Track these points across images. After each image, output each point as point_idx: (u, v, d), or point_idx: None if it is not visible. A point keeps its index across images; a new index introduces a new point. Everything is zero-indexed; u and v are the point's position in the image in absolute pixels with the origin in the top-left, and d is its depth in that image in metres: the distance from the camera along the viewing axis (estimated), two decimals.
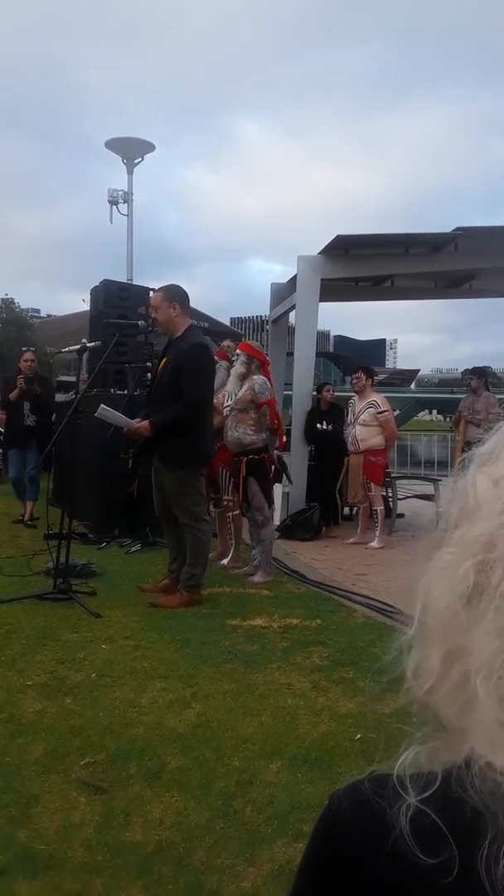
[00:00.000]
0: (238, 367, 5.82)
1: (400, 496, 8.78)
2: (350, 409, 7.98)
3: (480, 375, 8.61)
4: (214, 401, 5.94)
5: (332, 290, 9.46)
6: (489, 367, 9.08)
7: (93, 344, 5.98)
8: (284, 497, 8.25)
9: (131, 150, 17.01)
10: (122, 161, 17.03)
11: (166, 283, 5.23)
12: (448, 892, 0.50)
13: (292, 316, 9.42)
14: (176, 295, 5.03)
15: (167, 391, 4.91)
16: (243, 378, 5.80)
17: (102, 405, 5.22)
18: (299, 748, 2.86)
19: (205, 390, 5.05)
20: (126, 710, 3.20)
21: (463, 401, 8.66)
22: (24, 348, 10.52)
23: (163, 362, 5.10)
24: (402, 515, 8.97)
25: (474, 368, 9.00)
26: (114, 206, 17.01)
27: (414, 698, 0.58)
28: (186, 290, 5.13)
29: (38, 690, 3.39)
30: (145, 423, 4.93)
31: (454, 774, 0.54)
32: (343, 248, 8.63)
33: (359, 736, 2.96)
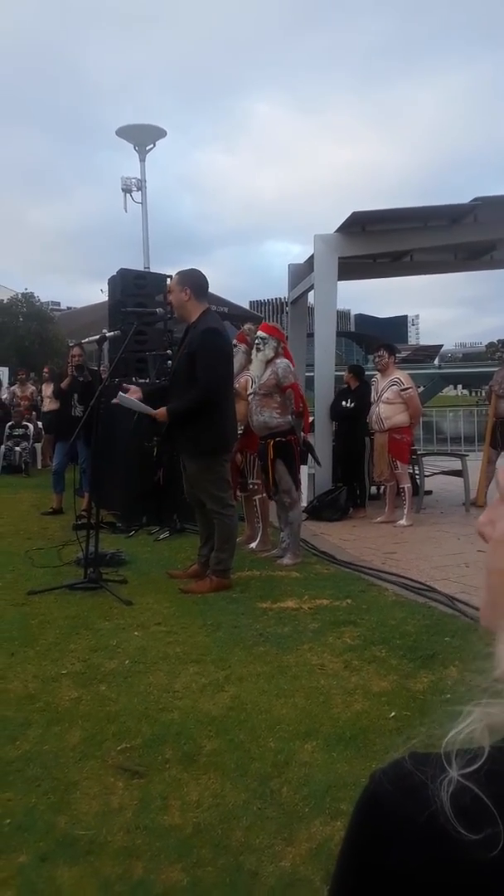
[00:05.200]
0: (268, 352, 5.74)
1: (427, 473, 8.72)
2: (373, 387, 7.91)
3: None
4: (237, 385, 5.92)
5: (351, 269, 9.36)
6: None
7: (112, 334, 5.99)
8: (310, 478, 8.24)
9: (143, 137, 16.93)
10: (134, 148, 16.97)
11: (184, 269, 5.17)
12: (494, 868, 0.49)
13: (311, 296, 9.35)
14: (189, 279, 4.97)
15: (184, 378, 4.90)
16: (269, 362, 5.75)
17: (120, 393, 5.24)
18: (334, 727, 2.87)
19: (220, 375, 4.92)
20: (160, 696, 3.22)
21: (495, 374, 8.49)
22: (70, 343, 10.63)
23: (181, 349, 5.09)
24: (429, 492, 8.92)
25: None
26: (128, 195, 16.98)
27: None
28: (205, 275, 5.08)
29: (73, 679, 3.42)
30: (162, 409, 4.92)
31: None
32: (360, 224, 8.53)
33: (393, 714, 2.95)
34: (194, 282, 4.98)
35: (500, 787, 0.51)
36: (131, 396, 5.05)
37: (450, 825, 0.50)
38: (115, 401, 5.19)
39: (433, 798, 0.52)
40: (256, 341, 5.86)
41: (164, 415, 4.90)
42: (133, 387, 5.29)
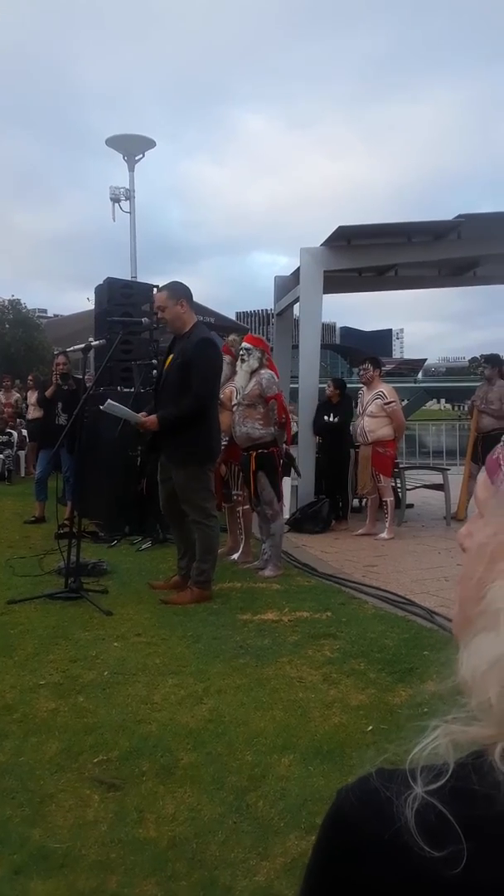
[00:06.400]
0: (252, 363, 5.77)
1: (409, 486, 8.76)
2: (359, 400, 7.94)
3: (495, 364, 8.26)
4: (221, 396, 5.94)
5: (337, 282, 9.41)
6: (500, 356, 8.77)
7: (97, 342, 5.98)
8: (293, 490, 8.25)
9: (132, 147, 16.98)
10: (123, 158, 17.01)
11: (169, 281, 5.21)
12: (456, 886, 0.50)
13: (297, 308, 9.40)
14: (181, 292, 5.03)
15: (175, 387, 4.91)
16: (253, 373, 5.77)
17: (109, 400, 5.23)
18: (311, 741, 2.87)
19: (212, 386, 5.05)
20: (139, 707, 3.21)
21: (477, 390, 8.54)
22: (55, 351, 10.60)
23: (170, 359, 5.09)
24: (411, 506, 8.94)
25: (488, 356, 8.69)
26: (116, 204, 17.00)
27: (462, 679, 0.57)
28: (189, 286, 5.12)
29: (51, 689, 3.41)
30: (152, 417, 4.93)
31: (469, 765, 0.54)
32: (345, 238, 8.59)
33: (370, 727, 2.97)
34: (186, 294, 5.05)
35: (464, 805, 0.52)
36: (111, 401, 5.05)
37: (414, 842, 0.51)
38: (102, 407, 5.18)
39: (398, 815, 0.52)
40: (241, 352, 5.89)
41: (155, 422, 4.90)
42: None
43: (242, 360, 5.83)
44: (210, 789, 2.53)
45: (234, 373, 6.11)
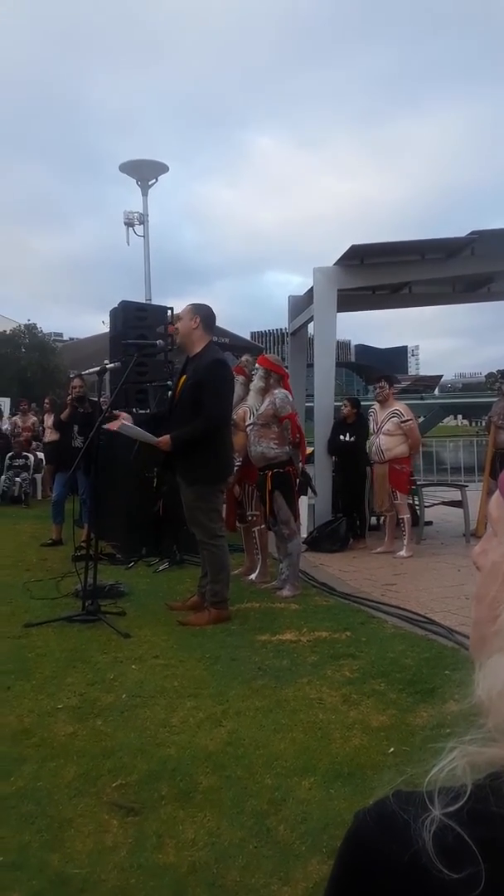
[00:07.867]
0: (257, 382, 5.82)
1: (427, 503, 8.70)
2: (372, 418, 7.93)
3: None
4: (234, 416, 5.96)
5: (350, 300, 9.44)
6: None
7: (112, 365, 6.04)
8: (310, 509, 8.22)
9: (145, 173, 17.25)
10: (137, 183, 17.26)
11: (189, 302, 5.23)
12: None
13: (311, 327, 9.43)
14: (200, 311, 5.08)
15: (187, 407, 4.93)
16: (264, 392, 5.79)
17: (123, 422, 5.26)
18: (332, 763, 2.83)
19: (225, 406, 5.08)
20: (157, 731, 3.19)
21: (494, 405, 8.52)
22: (71, 374, 10.72)
23: (182, 379, 5.12)
24: (430, 523, 8.88)
25: None
26: (130, 228, 17.24)
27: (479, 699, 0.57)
28: (213, 310, 5.17)
29: (69, 713, 3.39)
30: (165, 437, 4.95)
31: (487, 787, 0.53)
32: (358, 257, 8.63)
33: (392, 749, 2.92)
34: (205, 314, 5.09)
35: (482, 827, 0.51)
36: (126, 422, 5.08)
37: (432, 865, 0.50)
38: (117, 428, 5.21)
39: (416, 838, 0.52)
40: (253, 372, 5.94)
41: (168, 442, 4.92)
42: (123, 413, 5.33)
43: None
44: (230, 813, 2.50)
45: (247, 393, 6.14)
